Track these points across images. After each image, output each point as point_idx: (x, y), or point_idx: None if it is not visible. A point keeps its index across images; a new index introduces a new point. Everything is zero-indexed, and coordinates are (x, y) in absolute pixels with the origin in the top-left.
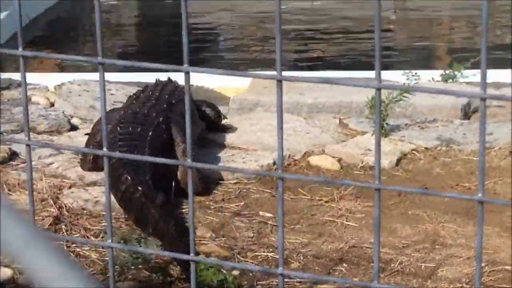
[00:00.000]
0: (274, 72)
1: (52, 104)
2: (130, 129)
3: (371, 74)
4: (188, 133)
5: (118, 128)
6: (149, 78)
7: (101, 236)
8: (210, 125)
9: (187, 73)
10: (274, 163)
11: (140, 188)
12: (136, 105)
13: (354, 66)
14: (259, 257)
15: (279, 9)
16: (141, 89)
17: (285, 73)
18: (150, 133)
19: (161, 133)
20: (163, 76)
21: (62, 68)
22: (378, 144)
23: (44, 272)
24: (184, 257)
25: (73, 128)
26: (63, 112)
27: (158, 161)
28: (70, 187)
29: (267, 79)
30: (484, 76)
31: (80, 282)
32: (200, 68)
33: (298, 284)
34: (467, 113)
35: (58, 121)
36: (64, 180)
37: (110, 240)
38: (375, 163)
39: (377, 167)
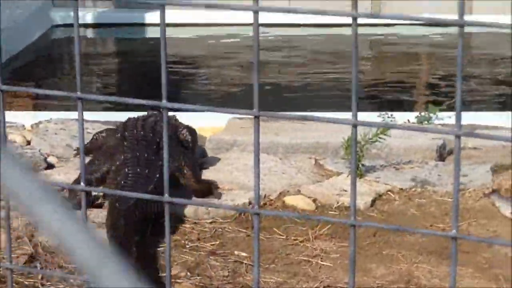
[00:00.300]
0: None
1: (29, 143)
2: (138, 171)
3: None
4: (166, 167)
5: (127, 170)
6: (125, 117)
7: (76, 274)
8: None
9: (166, 109)
10: (250, 203)
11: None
12: (131, 146)
13: (331, 106)
14: None
15: (258, 49)
16: (121, 125)
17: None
18: (157, 175)
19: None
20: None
21: (39, 107)
22: (353, 183)
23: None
24: None
25: (50, 166)
26: (39, 151)
27: (133, 196)
28: None
29: (244, 120)
30: (459, 114)
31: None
32: (179, 104)
33: None
34: (442, 155)
35: (34, 159)
36: None
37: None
38: (351, 198)
39: (352, 202)
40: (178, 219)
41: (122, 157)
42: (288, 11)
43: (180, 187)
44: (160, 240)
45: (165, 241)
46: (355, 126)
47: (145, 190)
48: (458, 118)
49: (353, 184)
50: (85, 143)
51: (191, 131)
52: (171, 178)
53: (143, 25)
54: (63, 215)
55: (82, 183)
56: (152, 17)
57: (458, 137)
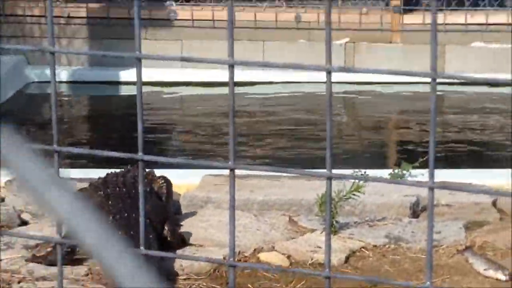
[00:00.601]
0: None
1: (3, 199)
2: (132, 233)
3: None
4: (141, 221)
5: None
6: (101, 174)
7: None
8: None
9: (141, 161)
10: (225, 259)
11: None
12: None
13: (305, 163)
14: None
15: (233, 101)
16: (101, 182)
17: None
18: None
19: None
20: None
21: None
22: (328, 234)
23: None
24: None
25: (24, 223)
26: (13, 208)
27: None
28: (19, 282)
29: (218, 177)
30: (432, 167)
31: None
32: (155, 156)
33: None
34: (415, 212)
35: (8, 216)
36: (13, 275)
37: None
38: (325, 251)
39: (327, 255)
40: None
41: (111, 217)
42: (264, 65)
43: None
44: None
45: None
46: (329, 178)
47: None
48: (432, 171)
49: (328, 235)
50: None
51: (167, 181)
52: (159, 238)
53: (118, 83)
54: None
55: (57, 235)
56: (126, 74)
57: (431, 189)
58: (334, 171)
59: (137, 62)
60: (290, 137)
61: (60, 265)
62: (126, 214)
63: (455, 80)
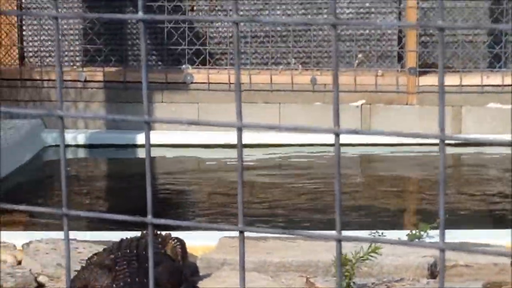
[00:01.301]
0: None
1: (19, 262)
2: None
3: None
4: (151, 284)
5: None
6: (116, 237)
7: None
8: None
9: (151, 225)
10: None
11: None
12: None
13: (318, 225)
14: None
15: (241, 163)
16: (116, 246)
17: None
18: None
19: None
20: (129, 234)
21: (30, 227)
22: None
23: None
24: None
25: (40, 286)
26: (29, 270)
27: None
28: None
29: (235, 239)
30: (443, 227)
31: None
32: (164, 219)
33: None
34: (433, 273)
35: (25, 278)
36: None
37: None
38: None
39: None
40: None
41: (121, 282)
42: (271, 127)
43: None
44: None
45: None
46: (339, 241)
47: None
48: (442, 232)
49: None
50: (78, 267)
51: (180, 241)
52: None
53: (135, 146)
54: None
55: None
56: (143, 138)
57: (442, 251)
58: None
59: (145, 126)
60: (307, 199)
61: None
62: (137, 279)
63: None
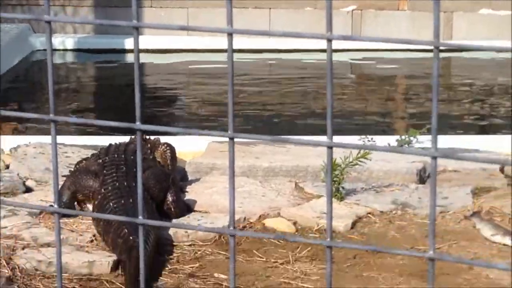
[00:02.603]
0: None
1: (7, 167)
2: (123, 202)
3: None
4: (140, 190)
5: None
6: (105, 141)
7: None
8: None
9: (139, 131)
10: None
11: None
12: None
13: (309, 130)
14: None
15: (232, 69)
16: (103, 151)
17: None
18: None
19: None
20: (118, 139)
21: (18, 131)
22: (329, 203)
23: None
24: None
25: (28, 190)
26: (17, 174)
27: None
28: (23, 248)
29: (223, 143)
30: (435, 135)
31: None
32: (153, 126)
33: None
34: (422, 178)
35: (13, 182)
36: (17, 241)
37: None
38: (327, 219)
39: (328, 223)
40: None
41: (109, 186)
42: (263, 33)
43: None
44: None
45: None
46: (330, 147)
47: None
48: (435, 140)
49: (329, 205)
50: (67, 171)
51: (170, 147)
52: (157, 207)
53: (124, 51)
54: None
55: (55, 205)
56: (131, 43)
57: (434, 158)
58: (339, 137)
59: (134, 31)
60: (295, 105)
61: (58, 234)
62: (125, 183)
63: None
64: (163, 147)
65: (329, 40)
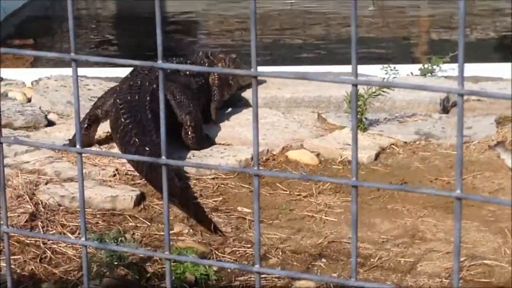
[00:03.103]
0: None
1: (29, 100)
2: (129, 98)
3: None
4: (162, 130)
5: (118, 100)
6: (127, 73)
7: (77, 232)
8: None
9: (161, 69)
10: (252, 159)
11: (147, 149)
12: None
13: (333, 60)
14: (237, 252)
15: (255, 6)
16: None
17: (261, 69)
18: (148, 99)
19: (157, 98)
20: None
21: (39, 63)
22: (355, 143)
23: None
24: (159, 255)
25: (50, 123)
26: (39, 108)
27: (133, 158)
28: (46, 183)
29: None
30: (461, 72)
31: None
32: (174, 64)
33: (276, 279)
34: (445, 107)
35: (35, 116)
36: (40, 176)
37: (83, 238)
38: (352, 160)
39: (354, 164)
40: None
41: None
42: None
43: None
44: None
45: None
46: (355, 85)
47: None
48: (461, 77)
49: (355, 144)
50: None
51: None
52: (175, 128)
53: None
54: None
55: (78, 145)
56: None
57: (461, 95)
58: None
59: None
60: (318, 36)
61: (81, 174)
62: (137, 96)
63: None
64: (214, 76)
65: None
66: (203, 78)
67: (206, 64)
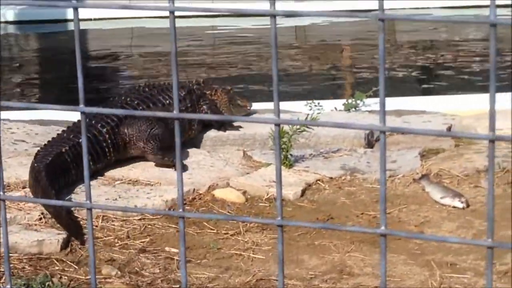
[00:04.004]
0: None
1: None
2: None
3: (271, 105)
4: (86, 174)
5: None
6: (52, 115)
7: (3, 279)
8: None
9: (83, 113)
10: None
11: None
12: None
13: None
14: None
15: (175, 44)
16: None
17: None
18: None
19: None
20: (61, 115)
21: None
22: (279, 182)
23: None
24: None
25: None
26: None
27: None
28: None
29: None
30: (383, 108)
31: None
32: (97, 108)
33: None
34: (370, 142)
35: None
36: None
37: (8, 286)
38: (277, 200)
39: (279, 204)
40: (107, 217)
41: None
42: (203, 10)
43: None
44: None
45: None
46: (277, 124)
47: None
48: (382, 113)
49: (279, 184)
50: (13, 148)
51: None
52: None
53: (66, 20)
54: None
55: (0, 192)
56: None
57: (383, 132)
58: (287, 103)
59: (74, 11)
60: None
61: (4, 219)
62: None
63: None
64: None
65: (273, 16)
66: (190, 102)
67: (197, 92)
